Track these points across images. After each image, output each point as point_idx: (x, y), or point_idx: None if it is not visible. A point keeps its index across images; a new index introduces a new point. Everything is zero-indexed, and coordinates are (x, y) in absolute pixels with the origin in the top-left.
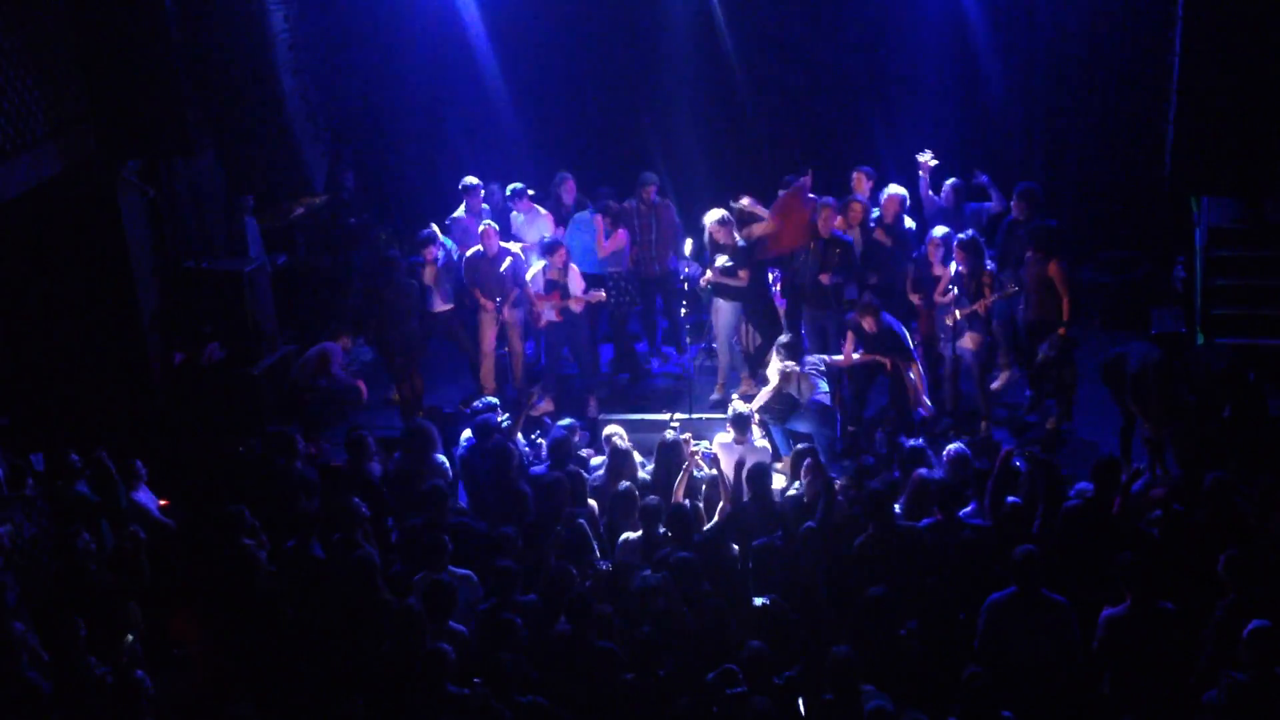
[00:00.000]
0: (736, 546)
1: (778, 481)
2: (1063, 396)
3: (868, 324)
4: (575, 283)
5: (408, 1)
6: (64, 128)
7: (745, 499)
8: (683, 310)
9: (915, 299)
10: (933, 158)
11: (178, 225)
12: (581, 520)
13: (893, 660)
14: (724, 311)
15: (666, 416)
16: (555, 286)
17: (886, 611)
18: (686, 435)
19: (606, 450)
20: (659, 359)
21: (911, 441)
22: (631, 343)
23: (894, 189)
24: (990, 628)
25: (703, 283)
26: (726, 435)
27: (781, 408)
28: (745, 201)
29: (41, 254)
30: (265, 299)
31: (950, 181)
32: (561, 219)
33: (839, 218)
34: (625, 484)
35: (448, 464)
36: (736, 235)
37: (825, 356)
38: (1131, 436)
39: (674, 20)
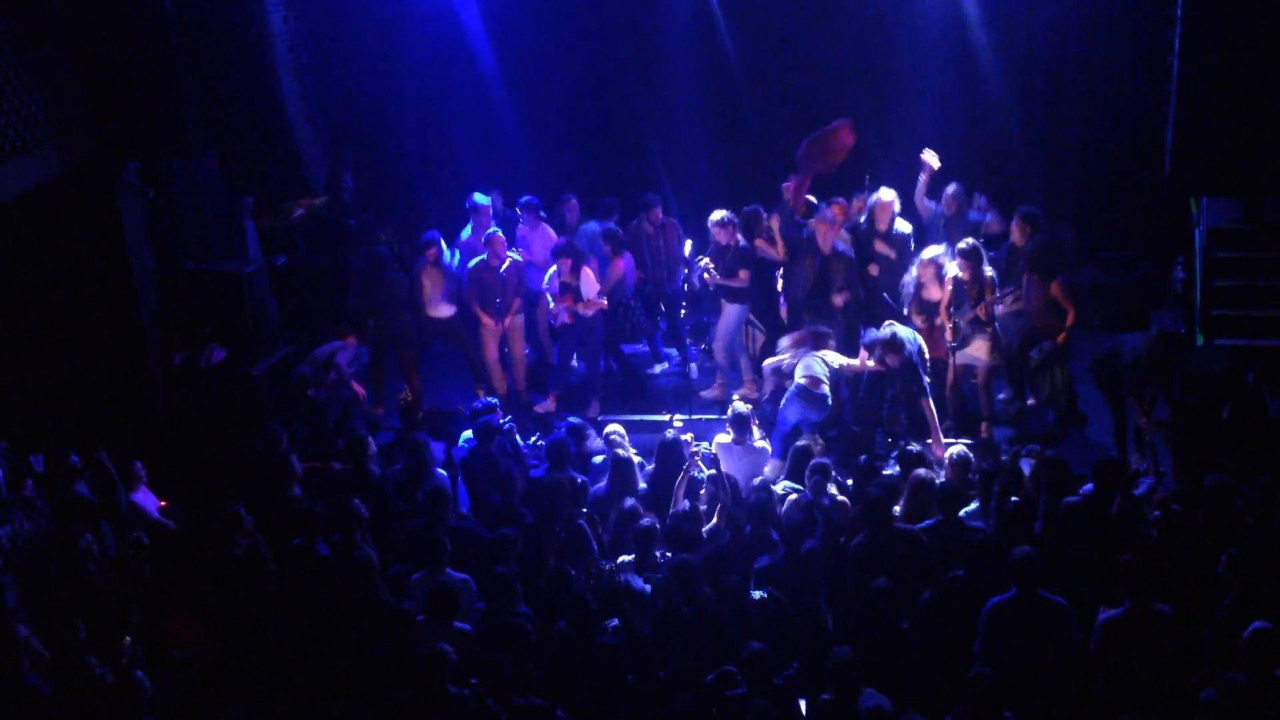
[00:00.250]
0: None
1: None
2: (1063, 397)
3: (891, 360)
4: (588, 286)
5: (408, 2)
6: (64, 129)
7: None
8: (681, 312)
9: (919, 320)
10: (936, 158)
11: (177, 226)
12: (581, 521)
13: (893, 660)
14: (726, 312)
15: (667, 417)
16: (568, 290)
17: (887, 608)
18: (687, 435)
19: (607, 453)
20: (659, 363)
21: (914, 445)
22: (624, 351)
23: (885, 195)
24: (990, 630)
25: (706, 279)
26: (726, 436)
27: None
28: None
29: (41, 255)
30: (265, 300)
31: (952, 188)
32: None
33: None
34: (630, 502)
35: (445, 475)
36: (739, 236)
37: (840, 360)
38: (1125, 436)
39: (674, 19)
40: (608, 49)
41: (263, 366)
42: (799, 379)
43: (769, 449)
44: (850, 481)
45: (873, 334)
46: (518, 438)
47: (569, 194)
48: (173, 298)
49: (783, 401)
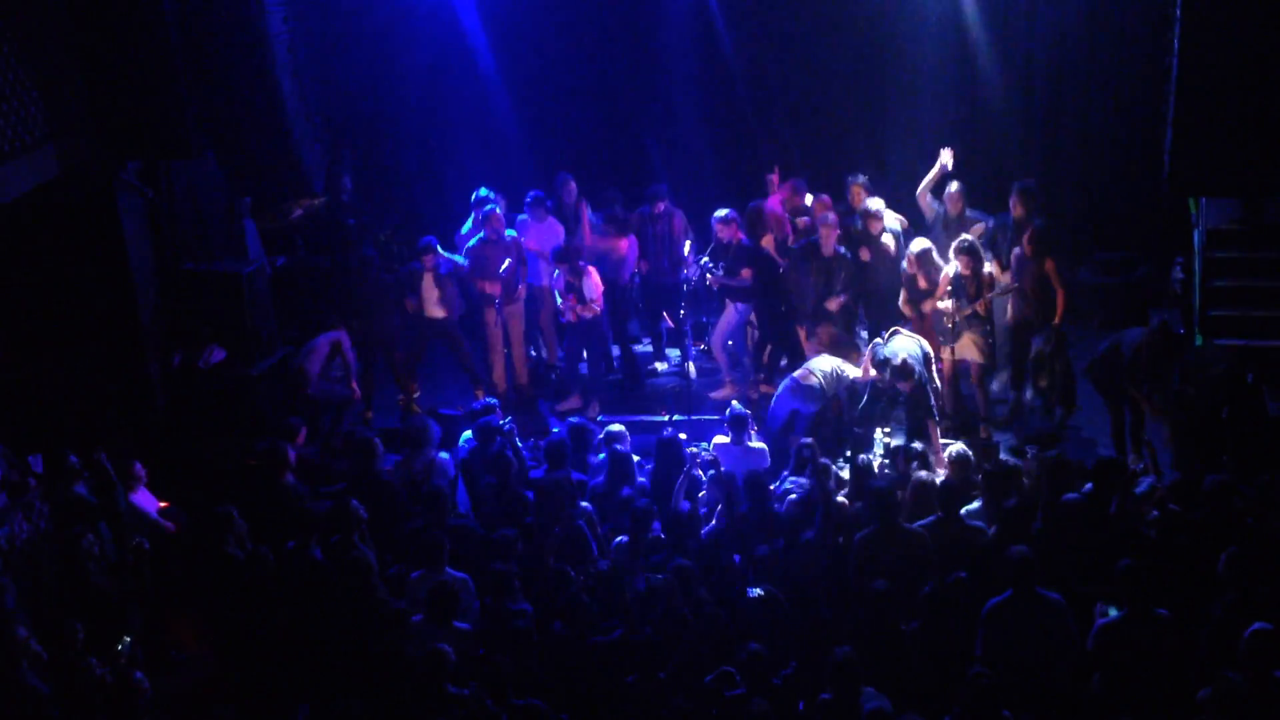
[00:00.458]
0: (738, 556)
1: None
2: (1063, 388)
3: (904, 387)
4: (590, 286)
5: (408, 2)
6: (63, 130)
7: (744, 508)
8: (680, 311)
9: (908, 310)
10: (951, 157)
11: (176, 227)
12: (580, 522)
13: (893, 660)
14: (728, 311)
15: (666, 417)
16: (572, 289)
17: (888, 608)
18: (681, 435)
19: (605, 452)
20: (659, 362)
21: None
22: (632, 345)
23: (873, 205)
24: (990, 632)
25: (709, 282)
26: (724, 437)
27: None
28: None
29: (40, 256)
30: (264, 300)
31: (955, 186)
32: (563, 219)
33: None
34: (628, 491)
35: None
36: (741, 234)
37: (840, 368)
38: (1123, 436)
39: (674, 18)
40: (607, 48)
41: (261, 368)
42: (794, 373)
43: (765, 449)
44: (848, 479)
45: (880, 351)
46: (517, 439)
47: (566, 174)
48: (172, 298)
49: (773, 397)
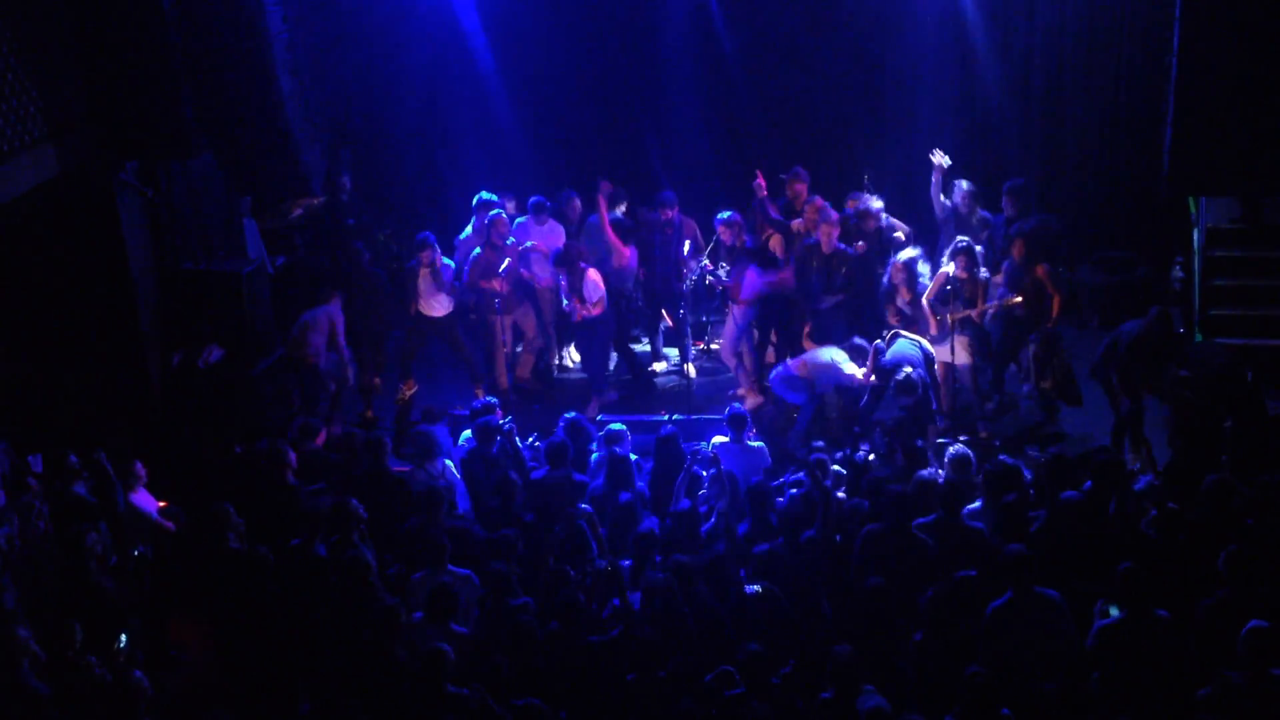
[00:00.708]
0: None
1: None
2: (1064, 387)
3: (904, 399)
4: (591, 288)
5: (407, 2)
6: (62, 129)
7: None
8: (680, 312)
9: (894, 321)
10: (945, 157)
11: (176, 227)
12: (581, 522)
13: (893, 660)
14: (728, 323)
15: (665, 417)
16: (575, 291)
17: (885, 605)
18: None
19: (603, 451)
20: (658, 362)
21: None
22: (632, 344)
23: (875, 206)
24: (991, 634)
25: (709, 282)
26: (723, 437)
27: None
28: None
29: (40, 256)
30: (264, 300)
31: (966, 186)
32: (569, 232)
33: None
34: (626, 496)
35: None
36: (744, 236)
37: (837, 363)
38: (1124, 437)
39: (673, 18)
40: (607, 48)
41: (261, 367)
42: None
43: (764, 449)
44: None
45: (883, 358)
46: (517, 439)
47: (571, 191)
48: (172, 298)
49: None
